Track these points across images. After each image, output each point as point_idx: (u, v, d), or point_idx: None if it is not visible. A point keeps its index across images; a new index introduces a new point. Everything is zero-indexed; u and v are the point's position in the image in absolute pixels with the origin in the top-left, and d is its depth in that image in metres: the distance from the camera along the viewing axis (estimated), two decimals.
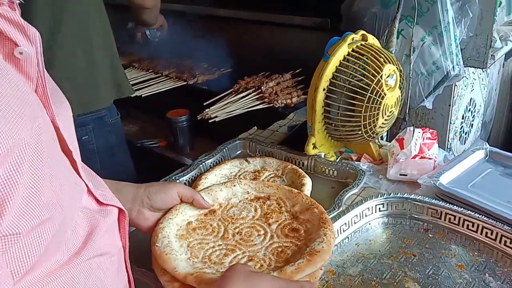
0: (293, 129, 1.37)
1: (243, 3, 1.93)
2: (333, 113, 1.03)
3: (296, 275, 0.67)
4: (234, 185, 0.89)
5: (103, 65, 1.36)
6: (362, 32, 1.05)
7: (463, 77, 1.36)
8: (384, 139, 1.40)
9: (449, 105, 1.52)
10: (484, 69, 1.57)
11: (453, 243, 0.84)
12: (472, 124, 1.76)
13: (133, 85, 1.85)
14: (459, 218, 0.86)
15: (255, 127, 1.39)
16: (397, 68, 1.01)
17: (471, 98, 1.66)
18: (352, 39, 1.03)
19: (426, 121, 1.59)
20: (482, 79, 1.69)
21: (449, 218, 0.87)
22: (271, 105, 1.53)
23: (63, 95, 0.59)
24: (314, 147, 1.08)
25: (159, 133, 1.91)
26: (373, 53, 1.00)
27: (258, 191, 0.88)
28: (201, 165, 1.13)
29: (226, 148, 1.20)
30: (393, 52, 1.30)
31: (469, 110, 1.70)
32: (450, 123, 1.56)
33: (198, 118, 1.52)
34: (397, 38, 1.33)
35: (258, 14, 1.84)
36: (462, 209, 0.86)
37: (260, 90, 1.57)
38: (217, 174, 1.08)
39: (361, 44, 1.02)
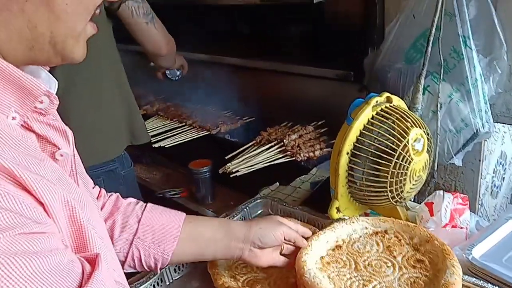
0: (316, 185, 1.34)
1: (266, 54, 1.95)
2: (357, 177, 0.99)
3: None
4: (353, 222, 0.96)
5: (118, 117, 1.40)
6: (387, 94, 1.03)
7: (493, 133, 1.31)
8: (412, 199, 1.35)
9: (479, 160, 1.46)
10: None
11: None
12: (504, 178, 1.69)
13: (157, 134, 1.87)
14: None
15: (277, 183, 1.36)
16: (424, 131, 0.98)
17: (501, 151, 1.60)
18: (376, 101, 1.00)
19: (455, 175, 1.54)
20: None
21: None
22: (294, 158, 1.51)
23: None
24: (338, 210, 1.04)
25: (182, 182, 1.90)
26: (398, 116, 0.97)
27: (375, 226, 0.95)
28: None
29: (247, 207, 1.17)
30: (419, 108, 1.27)
31: (500, 164, 1.63)
32: (481, 178, 1.50)
33: (220, 172, 1.50)
34: (423, 94, 1.30)
35: (280, 65, 1.85)
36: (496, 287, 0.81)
37: (282, 143, 1.55)
38: None
39: (386, 107, 1.00)
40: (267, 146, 1.56)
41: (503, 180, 1.69)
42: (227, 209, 1.64)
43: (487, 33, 1.26)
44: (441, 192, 1.05)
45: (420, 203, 1.22)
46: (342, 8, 1.63)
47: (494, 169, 1.57)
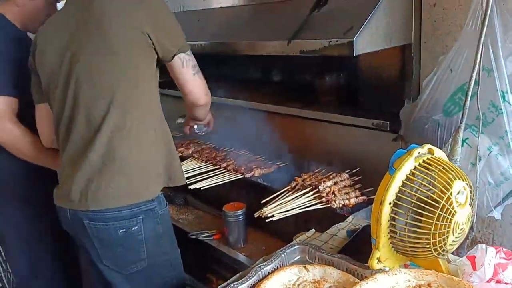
0: (353, 234, 1.34)
1: (300, 101, 2.00)
2: (400, 227, 1.00)
3: None
4: (395, 274, 0.97)
5: (159, 157, 1.46)
6: (429, 145, 1.04)
7: None
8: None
9: None
10: None
11: None
12: None
13: (192, 176, 1.92)
14: None
15: (313, 229, 1.37)
16: (467, 184, 0.99)
17: None
18: (418, 152, 1.02)
19: (493, 229, 1.51)
20: None
21: None
22: (329, 205, 1.52)
23: None
24: (379, 261, 1.04)
25: (213, 224, 1.93)
26: (441, 167, 0.99)
27: (418, 279, 0.95)
28: (259, 272, 1.11)
29: (285, 253, 1.18)
30: (458, 160, 1.28)
31: None
32: None
33: (255, 216, 1.52)
34: (462, 146, 1.31)
35: (315, 113, 1.89)
36: None
37: (317, 190, 1.57)
38: (275, 283, 1.06)
39: (428, 158, 1.02)
40: (301, 192, 1.58)
41: None
42: (259, 253, 1.65)
43: None
44: (483, 246, 1.04)
45: (458, 256, 1.21)
46: (378, 59, 1.68)
47: None
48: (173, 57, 1.41)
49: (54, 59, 1.41)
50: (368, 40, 1.34)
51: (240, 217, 1.71)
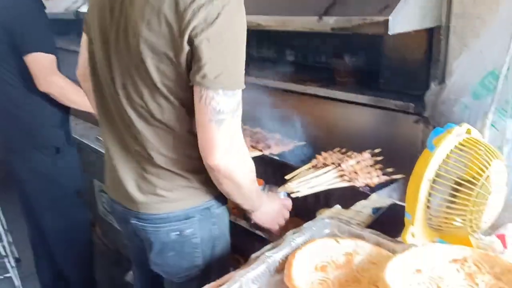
0: (378, 211, 1.36)
1: (322, 80, 2.01)
2: (436, 203, 1.02)
3: None
4: (431, 248, 0.97)
5: None
6: (467, 125, 1.06)
7: None
8: None
9: None
10: None
11: None
12: None
13: None
14: None
15: (338, 205, 1.39)
16: (505, 165, 1.01)
17: None
18: (457, 131, 1.04)
19: (510, 213, 1.54)
20: None
21: None
22: (351, 183, 1.54)
23: None
24: (412, 236, 1.06)
25: (230, 201, 1.93)
26: (481, 147, 1.00)
27: (455, 253, 0.96)
28: (292, 243, 1.13)
29: (315, 226, 1.20)
30: None
31: None
32: None
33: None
34: (489, 129, 1.33)
35: (336, 92, 1.90)
36: None
37: (340, 167, 1.58)
38: (308, 254, 1.08)
39: (468, 138, 1.03)
40: (325, 170, 1.59)
41: None
42: (281, 230, 1.66)
43: None
44: None
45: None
46: (403, 41, 1.68)
47: None
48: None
49: None
50: (404, 20, 1.34)
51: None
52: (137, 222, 1.27)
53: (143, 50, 1.09)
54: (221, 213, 1.32)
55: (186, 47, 1.05)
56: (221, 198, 1.30)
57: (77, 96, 2.03)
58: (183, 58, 1.07)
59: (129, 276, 2.40)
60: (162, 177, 1.23)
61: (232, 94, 1.07)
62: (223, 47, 1.04)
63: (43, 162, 2.14)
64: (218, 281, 1.03)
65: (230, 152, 1.11)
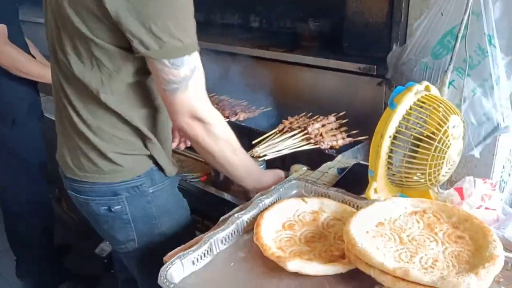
0: (343, 171, 1.39)
1: (286, 46, 2.00)
2: (397, 159, 1.05)
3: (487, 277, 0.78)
4: (393, 202, 1.02)
5: None
6: (426, 83, 1.09)
7: None
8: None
9: (493, 155, 1.54)
10: None
11: None
12: (510, 174, 1.77)
13: None
14: None
15: (305, 167, 1.41)
16: (461, 119, 1.04)
17: (510, 149, 1.68)
18: (417, 89, 1.06)
19: (468, 169, 1.61)
20: None
21: None
22: (317, 146, 1.56)
23: None
24: (375, 192, 1.10)
25: (196, 168, 1.93)
26: (439, 103, 1.03)
27: (415, 206, 1.01)
28: (260, 204, 1.15)
29: (283, 187, 1.22)
30: None
31: (508, 160, 1.72)
32: (493, 172, 1.58)
33: None
34: (448, 88, 1.37)
35: (300, 57, 1.90)
36: None
37: (306, 131, 1.60)
38: (276, 213, 1.10)
39: (426, 95, 1.06)
40: (291, 134, 1.61)
41: (510, 176, 1.78)
42: (247, 193, 1.68)
43: (511, 32, 1.33)
44: (471, 177, 1.12)
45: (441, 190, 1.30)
46: (365, 4, 1.69)
47: (503, 165, 1.66)
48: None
49: None
50: None
51: None
52: (72, 192, 1.27)
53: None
54: (157, 193, 1.25)
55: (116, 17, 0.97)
56: (155, 176, 1.24)
57: (30, 67, 1.97)
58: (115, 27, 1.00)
59: (98, 249, 2.39)
60: (90, 148, 1.18)
61: (180, 62, 1.01)
62: (160, 13, 0.96)
63: (1, 132, 2.08)
64: (186, 245, 1.04)
65: (192, 117, 1.09)
